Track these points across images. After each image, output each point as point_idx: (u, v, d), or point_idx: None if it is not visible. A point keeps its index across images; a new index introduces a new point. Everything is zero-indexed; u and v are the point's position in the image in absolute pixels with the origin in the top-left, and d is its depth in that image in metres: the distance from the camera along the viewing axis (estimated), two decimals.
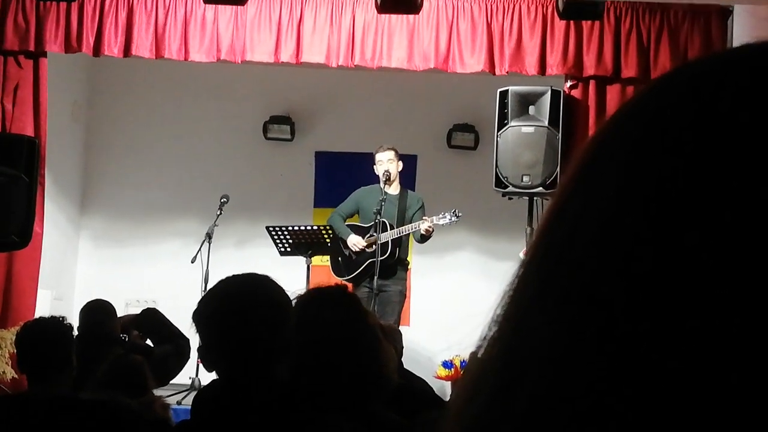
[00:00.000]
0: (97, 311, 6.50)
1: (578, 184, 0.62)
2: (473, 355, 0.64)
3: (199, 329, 2.92)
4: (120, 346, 5.90)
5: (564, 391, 0.56)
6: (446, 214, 8.47)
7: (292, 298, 2.98)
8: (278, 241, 8.74)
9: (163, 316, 6.00)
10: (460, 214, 8.47)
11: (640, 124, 0.61)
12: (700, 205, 0.55)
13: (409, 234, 8.75)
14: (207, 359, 2.92)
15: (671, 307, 0.55)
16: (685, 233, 0.55)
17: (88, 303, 6.64)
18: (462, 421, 0.62)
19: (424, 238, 8.58)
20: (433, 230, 8.51)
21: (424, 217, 8.54)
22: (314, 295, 3.09)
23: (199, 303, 2.98)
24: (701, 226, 0.55)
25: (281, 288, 2.94)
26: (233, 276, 2.96)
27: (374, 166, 8.82)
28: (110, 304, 6.62)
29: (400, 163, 8.84)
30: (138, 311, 6.26)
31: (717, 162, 0.56)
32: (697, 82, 0.61)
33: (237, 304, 2.86)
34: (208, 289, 3.55)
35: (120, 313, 6.69)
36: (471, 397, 0.61)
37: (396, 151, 8.77)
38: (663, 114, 0.60)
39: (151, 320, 6.02)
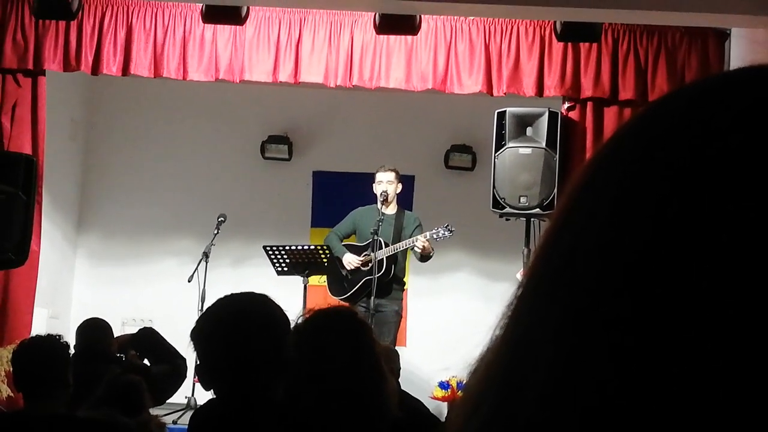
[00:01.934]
0: (94, 329, 6.50)
1: (576, 207, 0.62)
2: (472, 372, 0.64)
3: (197, 348, 2.91)
4: (117, 364, 5.89)
5: (567, 401, 0.57)
6: (439, 229, 8.46)
7: (296, 318, 2.95)
8: (275, 260, 8.74)
9: (161, 336, 5.99)
10: (453, 229, 8.46)
11: (637, 148, 0.61)
12: (697, 227, 0.56)
13: (406, 253, 8.75)
14: (204, 378, 2.92)
15: (669, 324, 0.55)
16: (682, 255, 0.56)
17: (85, 321, 6.64)
18: None
19: (423, 257, 8.56)
20: (432, 250, 8.50)
21: (418, 236, 8.52)
22: (321, 318, 3.03)
23: (198, 321, 2.97)
24: (698, 248, 0.56)
25: (279, 307, 2.93)
26: (232, 295, 2.96)
27: (373, 185, 8.83)
28: (106, 322, 6.62)
29: (400, 185, 8.85)
30: (134, 330, 6.25)
31: (714, 186, 0.56)
32: (694, 106, 0.61)
33: (235, 323, 2.85)
34: (205, 308, 3.54)
35: (116, 332, 6.69)
36: (472, 413, 0.62)
37: (397, 173, 8.79)
38: (660, 137, 0.60)
39: (149, 340, 6.01)
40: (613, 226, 0.59)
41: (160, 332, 6.04)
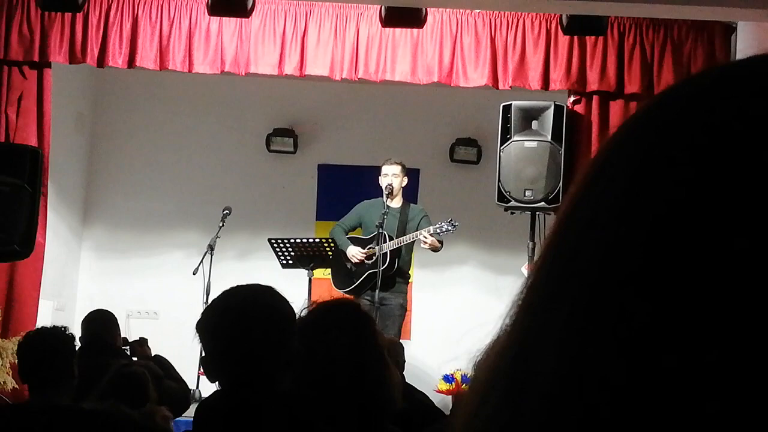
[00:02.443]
0: (99, 321, 6.53)
1: (582, 203, 0.62)
2: (479, 363, 0.64)
3: (203, 339, 2.91)
4: (122, 357, 5.94)
5: (573, 395, 0.57)
6: (443, 224, 8.45)
7: (300, 310, 2.95)
8: (280, 253, 8.74)
9: (172, 365, 6.18)
10: (456, 224, 8.44)
11: (640, 143, 0.61)
12: (699, 224, 0.56)
13: (411, 246, 8.74)
14: (210, 370, 2.92)
15: (672, 320, 0.55)
16: (683, 252, 0.56)
17: (90, 313, 6.67)
18: (473, 425, 0.62)
19: (433, 250, 8.55)
20: (441, 243, 8.48)
21: (422, 230, 8.52)
22: (325, 310, 3.03)
23: (204, 313, 2.98)
24: (700, 245, 0.55)
25: (285, 299, 2.93)
26: (238, 287, 2.95)
27: (379, 178, 8.83)
28: (112, 314, 6.66)
29: (405, 179, 8.84)
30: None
31: (716, 180, 0.56)
32: (698, 98, 0.61)
33: (241, 314, 2.85)
34: (210, 300, 3.55)
35: (121, 325, 6.73)
36: (481, 402, 0.62)
37: (403, 166, 8.78)
38: (663, 132, 0.60)
39: (161, 365, 6.13)
40: (618, 224, 0.58)
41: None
